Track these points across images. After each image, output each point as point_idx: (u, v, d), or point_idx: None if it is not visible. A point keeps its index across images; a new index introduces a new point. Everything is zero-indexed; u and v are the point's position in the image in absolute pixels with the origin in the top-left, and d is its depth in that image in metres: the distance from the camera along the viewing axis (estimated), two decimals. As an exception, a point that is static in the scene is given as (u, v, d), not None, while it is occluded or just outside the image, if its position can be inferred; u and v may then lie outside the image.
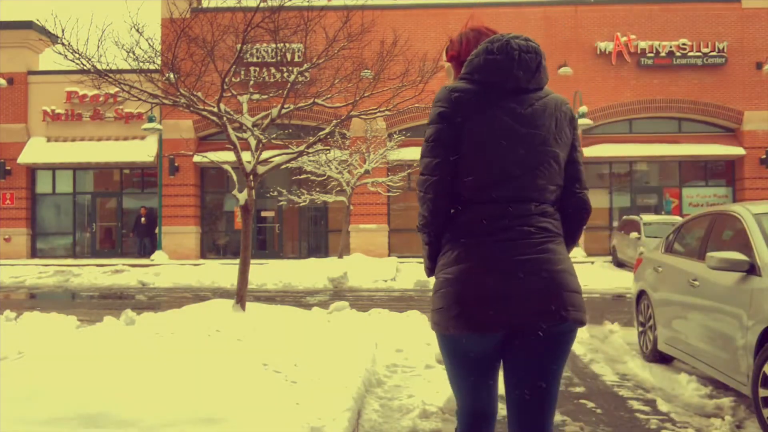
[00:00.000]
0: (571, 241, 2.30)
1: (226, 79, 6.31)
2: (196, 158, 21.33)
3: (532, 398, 2.20)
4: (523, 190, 2.14)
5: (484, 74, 2.19)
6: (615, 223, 21.68)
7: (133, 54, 6.52)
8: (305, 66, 6.94)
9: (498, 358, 2.25)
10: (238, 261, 6.75)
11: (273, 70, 18.10)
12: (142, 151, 22.12)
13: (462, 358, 2.22)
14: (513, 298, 2.06)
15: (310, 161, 17.37)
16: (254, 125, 6.74)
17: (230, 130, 6.54)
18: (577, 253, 20.69)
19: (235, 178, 7.08)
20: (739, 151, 21.51)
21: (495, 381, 2.31)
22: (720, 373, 4.97)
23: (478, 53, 2.24)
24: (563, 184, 2.25)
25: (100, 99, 21.26)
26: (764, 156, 21.44)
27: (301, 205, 19.31)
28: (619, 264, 18.24)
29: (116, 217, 23.83)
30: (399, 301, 11.85)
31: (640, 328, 6.84)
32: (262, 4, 6.38)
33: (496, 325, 2.09)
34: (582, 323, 2.17)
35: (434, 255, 2.27)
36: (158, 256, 21.43)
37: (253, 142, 6.70)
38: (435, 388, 5.15)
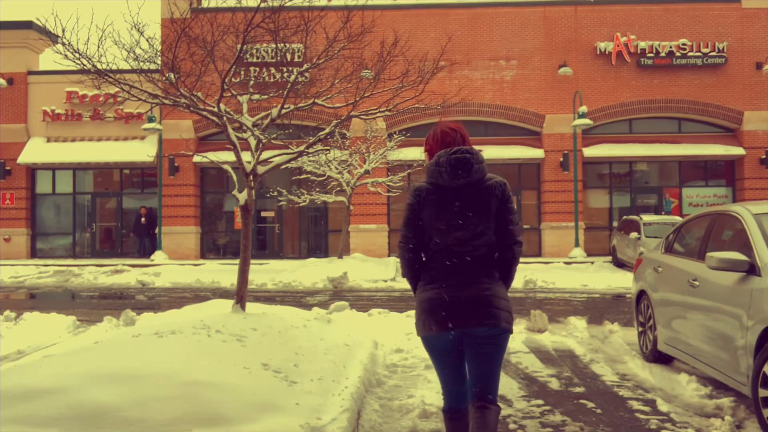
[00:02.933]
0: (506, 278, 3.33)
1: (226, 79, 6.31)
2: (196, 158, 21.33)
3: (478, 379, 3.27)
4: (462, 246, 3.22)
5: (433, 178, 3.28)
6: (615, 223, 21.68)
7: (134, 54, 6.51)
8: (305, 66, 6.93)
9: (460, 353, 3.30)
10: (238, 261, 6.75)
11: (273, 70, 18.09)
12: (142, 151, 22.12)
13: (433, 351, 3.34)
14: (458, 314, 3.16)
15: (310, 161, 17.37)
16: (254, 125, 6.74)
17: (230, 130, 6.54)
18: (577, 253, 20.71)
19: (235, 178, 7.08)
20: (739, 151, 21.51)
21: (463, 371, 3.35)
22: (720, 373, 4.97)
23: (431, 164, 3.30)
24: (500, 240, 3.27)
25: (100, 99, 21.26)
26: (764, 156, 21.43)
27: (301, 205, 19.30)
28: (619, 264, 18.24)
29: (116, 217, 23.82)
30: (399, 301, 11.85)
31: (640, 328, 6.84)
32: (262, 5, 6.38)
33: (446, 329, 3.19)
34: (507, 330, 3.23)
35: (415, 288, 3.39)
36: (158, 256, 21.43)
37: (253, 142, 6.69)
38: (435, 388, 5.15)
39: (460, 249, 3.21)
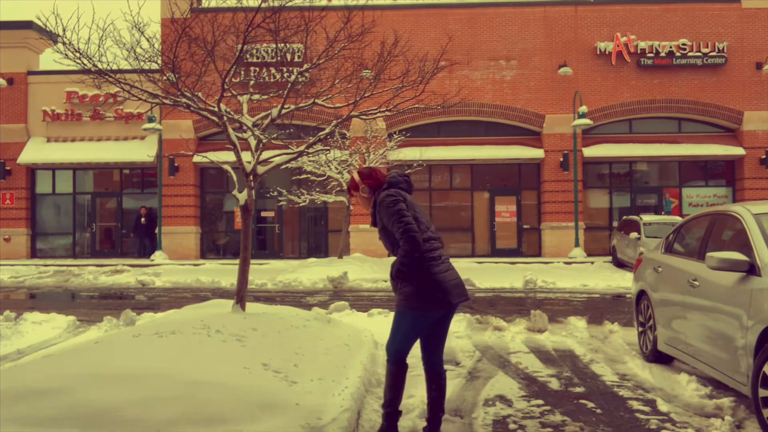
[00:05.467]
0: None
1: (227, 80, 6.31)
2: (196, 158, 21.34)
3: (442, 347, 4.28)
4: (436, 234, 4.19)
5: (401, 186, 4.21)
6: (615, 223, 21.68)
7: (134, 53, 6.51)
8: (305, 66, 6.93)
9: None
10: (237, 261, 6.75)
11: (273, 70, 18.09)
12: (142, 151, 22.13)
13: (424, 324, 4.05)
14: (452, 292, 4.00)
15: (310, 161, 17.37)
16: (254, 125, 6.74)
17: (230, 130, 6.53)
18: (577, 254, 20.72)
19: (235, 178, 7.07)
20: (739, 151, 21.51)
21: None
22: (720, 373, 4.97)
23: (394, 176, 4.25)
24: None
25: (100, 99, 21.28)
26: (764, 156, 21.44)
27: (301, 205, 19.31)
28: (619, 264, 18.24)
29: (116, 217, 23.83)
30: (399, 301, 11.81)
31: (640, 328, 6.84)
32: (263, 5, 6.37)
33: (451, 305, 4.05)
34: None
35: (418, 270, 3.99)
36: (158, 256, 21.44)
37: (253, 142, 6.69)
38: (435, 388, 5.14)
39: (437, 238, 4.17)
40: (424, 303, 3.96)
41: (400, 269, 3.93)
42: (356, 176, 4.30)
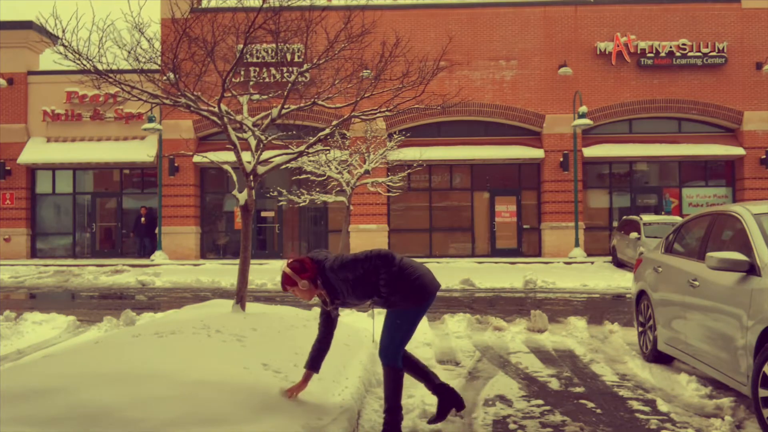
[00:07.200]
0: None
1: (227, 80, 6.30)
2: (196, 158, 21.33)
3: (411, 334, 4.42)
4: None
5: (327, 256, 4.26)
6: (615, 223, 21.68)
7: (134, 54, 6.51)
8: (306, 66, 6.93)
9: None
10: (238, 261, 6.75)
11: (273, 71, 18.09)
12: (142, 151, 22.12)
13: (421, 315, 4.28)
14: (434, 279, 4.33)
15: (310, 161, 17.33)
16: (254, 125, 6.74)
17: (230, 130, 6.53)
18: (577, 254, 20.71)
19: (235, 178, 7.08)
20: (739, 151, 21.51)
21: None
22: (720, 373, 4.97)
23: (314, 256, 4.22)
24: None
25: (100, 99, 21.27)
26: (764, 156, 21.43)
27: (301, 205, 19.26)
28: (619, 264, 18.24)
29: (116, 217, 23.82)
30: (399, 301, 11.80)
31: (640, 328, 6.84)
32: (264, 5, 6.37)
33: (434, 290, 4.30)
34: None
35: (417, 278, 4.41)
36: (158, 256, 21.43)
37: (253, 143, 6.69)
38: (435, 388, 5.14)
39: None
40: (421, 294, 4.20)
41: (388, 284, 4.10)
42: (291, 273, 4.07)
